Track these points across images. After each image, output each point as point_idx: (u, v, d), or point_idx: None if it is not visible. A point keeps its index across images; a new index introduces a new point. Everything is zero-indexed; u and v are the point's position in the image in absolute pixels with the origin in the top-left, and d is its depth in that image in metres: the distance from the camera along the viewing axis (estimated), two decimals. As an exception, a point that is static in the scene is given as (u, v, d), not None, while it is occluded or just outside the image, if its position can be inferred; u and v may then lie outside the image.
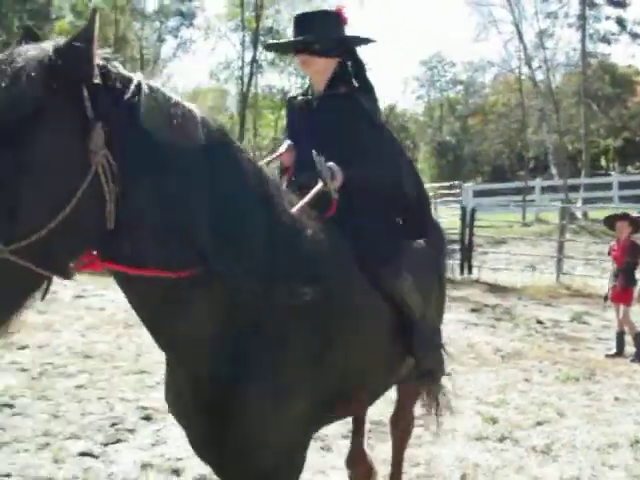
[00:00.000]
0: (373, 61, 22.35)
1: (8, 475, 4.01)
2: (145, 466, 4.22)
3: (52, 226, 1.70)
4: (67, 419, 4.99)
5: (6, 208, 1.66)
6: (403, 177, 2.77)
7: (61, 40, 1.78)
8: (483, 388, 6.27)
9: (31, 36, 1.85)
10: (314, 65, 2.84)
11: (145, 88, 1.92)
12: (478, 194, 29.03)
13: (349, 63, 2.89)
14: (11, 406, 5.17)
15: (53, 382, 5.84)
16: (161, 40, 41.69)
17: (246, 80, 35.14)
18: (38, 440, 4.55)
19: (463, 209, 15.44)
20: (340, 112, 2.76)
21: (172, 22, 41.60)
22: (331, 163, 2.54)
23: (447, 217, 17.76)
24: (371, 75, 2.92)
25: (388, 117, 32.87)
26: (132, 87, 1.89)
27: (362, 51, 2.91)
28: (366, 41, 2.93)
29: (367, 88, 2.88)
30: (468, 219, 14.96)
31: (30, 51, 1.73)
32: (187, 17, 41.21)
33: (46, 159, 1.70)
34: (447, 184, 32.50)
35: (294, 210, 2.34)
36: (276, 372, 2.17)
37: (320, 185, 2.48)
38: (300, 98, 2.98)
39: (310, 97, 2.93)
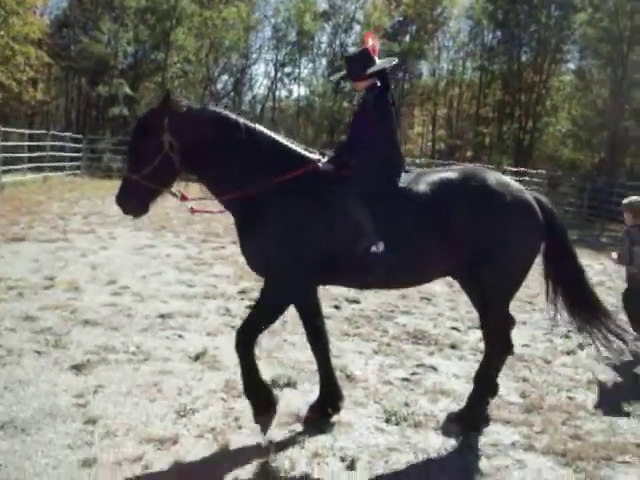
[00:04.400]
0: None
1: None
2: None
3: (147, 171, 4.44)
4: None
5: (133, 162, 4.52)
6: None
7: (155, 105, 4.60)
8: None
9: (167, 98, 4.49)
10: (355, 87, 5.05)
11: (190, 111, 4.60)
12: None
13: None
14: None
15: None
16: None
17: None
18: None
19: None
20: (359, 110, 4.94)
21: None
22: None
23: None
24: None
25: None
26: (184, 114, 4.54)
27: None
28: (385, 69, 4.83)
29: (379, 95, 4.75)
30: None
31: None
32: None
33: (147, 144, 4.46)
34: None
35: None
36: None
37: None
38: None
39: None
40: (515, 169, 32.37)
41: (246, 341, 4.63)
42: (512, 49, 45.92)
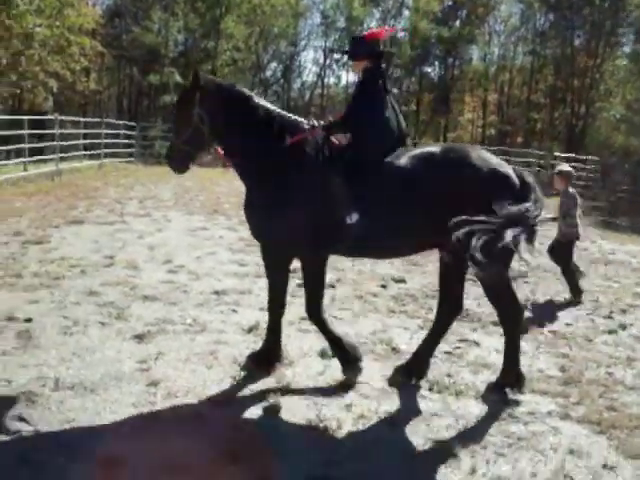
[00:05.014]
0: None
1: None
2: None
3: (183, 138, 5.14)
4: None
5: (175, 130, 5.32)
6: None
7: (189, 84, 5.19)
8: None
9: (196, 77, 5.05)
10: (353, 66, 5.60)
11: (218, 90, 5.18)
12: None
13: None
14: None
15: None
16: None
17: None
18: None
19: None
20: (354, 88, 5.45)
21: None
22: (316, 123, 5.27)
23: None
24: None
25: None
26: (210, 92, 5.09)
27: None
28: (378, 53, 5.32)
29: (372, 74, 5.24)
30: None
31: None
32: None
33: (182, 116, 5.15)
34: None
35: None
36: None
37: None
38: None
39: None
40: (566, 155, 31.99)
41: (312, 311, 5.37)
42: (565, 33, 45.28)
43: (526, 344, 6.64)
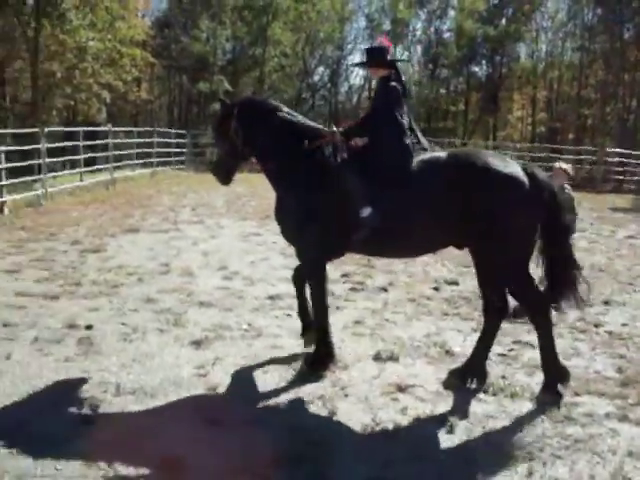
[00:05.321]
0: None
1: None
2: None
3: (224, 149, 5.76)
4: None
5: (217, 142, 5.98)
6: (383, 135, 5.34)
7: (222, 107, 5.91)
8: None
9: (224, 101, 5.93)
10: (373, 74, 5.85)
11: (246, 110, 5.69)
12: None
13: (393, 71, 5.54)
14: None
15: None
16: None
17: None
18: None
19: None
20: (374, 95, 5.64)
21: None
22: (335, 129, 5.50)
23: None
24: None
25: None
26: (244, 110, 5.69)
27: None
28: (397, 61, 5.80)
29: (385, 84, 5.44)
30: None
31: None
32: None
33: (221, 129, 5.72)
34: None
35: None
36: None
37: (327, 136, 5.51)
38: None
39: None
40: (618, 151, 31.36)
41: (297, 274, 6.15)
42: (614, 26, 44.22)
43: (582, 345, 6.61)
